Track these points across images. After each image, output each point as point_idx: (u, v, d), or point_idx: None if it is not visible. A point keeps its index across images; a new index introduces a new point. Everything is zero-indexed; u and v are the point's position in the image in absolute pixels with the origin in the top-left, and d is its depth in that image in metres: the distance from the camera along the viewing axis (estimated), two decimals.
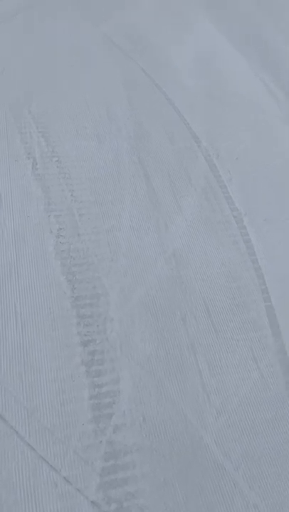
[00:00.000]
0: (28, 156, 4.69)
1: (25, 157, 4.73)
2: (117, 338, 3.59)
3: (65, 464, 3.00)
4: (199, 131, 5.28)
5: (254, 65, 6.41)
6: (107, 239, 4.17)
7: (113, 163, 4.79)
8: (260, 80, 6.18)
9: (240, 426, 3.32)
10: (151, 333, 3.66)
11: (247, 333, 3.79)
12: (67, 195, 4.45)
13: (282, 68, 6.52)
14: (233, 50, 6.51)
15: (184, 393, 3.41)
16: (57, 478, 2.95)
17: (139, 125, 5.21)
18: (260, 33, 6.95)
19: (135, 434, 3.17)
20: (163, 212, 4.49)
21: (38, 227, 4.11)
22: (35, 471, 2.95)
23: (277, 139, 5.43)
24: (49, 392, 3.25)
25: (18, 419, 3.14)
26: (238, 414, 3.37)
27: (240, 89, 5.98)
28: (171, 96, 5.65)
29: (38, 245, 4.01)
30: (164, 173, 4.79)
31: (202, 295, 3.95)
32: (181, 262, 4.13)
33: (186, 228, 4.41)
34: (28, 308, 3.66)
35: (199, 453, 3.22)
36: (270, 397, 3.48)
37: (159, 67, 6.04)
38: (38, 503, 2.87)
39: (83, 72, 5.71)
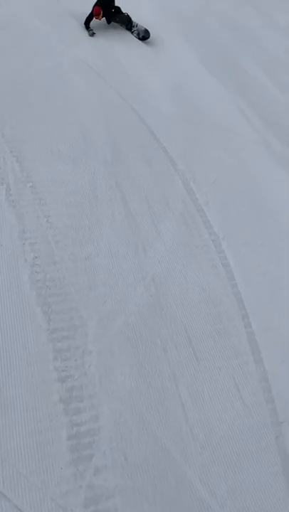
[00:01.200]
0: (2, 181, 4.50)
1: None
2: (96, 372, 3.41)
3: None
4: (175, 154, 5.22)
5: (228, 89, 6.44)
6: (84, 266, 4.01)
7: (90, 187, 4.67)
8: (234, 104, 6.21)
9: (225, 460, 3.18)
10: (131, 365, 3.50)
11: (228, 360, 3.68)
12: (43, 221, 4.28)
13: (254, 92, 6.58)
14: (207, 74, 6.53)
15: (167, 427, 3.26)
16: None
17: (116, 148, 5.12)
18: (234, 59, 7.01)
19: (117, 476, 2.99)
20: (142, 236, 4.37)
21: (12, 256, 3.92)
22: None
23: (252, 161, 5.43)
24: (24, 434, 3.04)
25: None
26: (222, 447, 3.23)
27: (214, 112, 5.98)
28: (147, 119, 5.59)
29: (13, 275, 3.82)
30: (141, 197, 4.69)
31: (183, 322, 3.83)
32: (160, 288, 4.01)
33: (165, 253, 4.30)
34: (1, 343, 3.44)
35: (184, 491, 3.06)
36: (253, 426, 3.36)
37: (134, 91, 5.99)
38: None
39: (58, 95, 5.59)
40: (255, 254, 4.49)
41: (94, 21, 6.86)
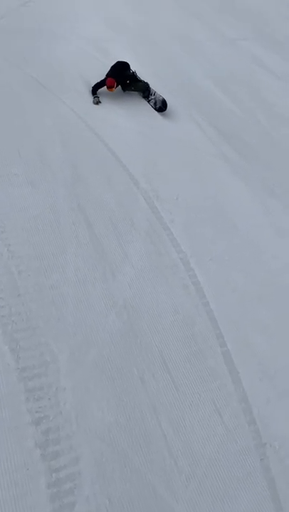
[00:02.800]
0: None
1: None
2: (71, 410, 3.26)
3: None
4: (136, 172, 5.18)
5: (183, 103, 6.51)
6: (51, 296, 3.85)
7: (51, 211, 4.51)
8: (191, 117, 6.28)
9: (212, 490, 3.12)
10: (108, 398, 3.37)
11: (207, 384, 3.65)
12: (3, 250, 4.07)
13: (209, 105, 6.69)
14: (161, 88, 6.56)
15: (150, 462, 3.16)
16: None
17: (75, 168, 5.00)
18: (185, 71, 7.12)
19: None
20: (109, 260, 4.27)
21: None
22: None
23: (211, 176, 5.48)
24: None
25: None
26: (208, 477, 3.17)
27: (172, 127, 6.03)
28: (105, 137, 5.52)
29: None
30: (105, 219, 4.60)
31: (158, 348, 3.75)
32: (133, 313, 3.92)
33: (135, 276, 4.22)
34: None
35: None
36: (238, 452, 3.33)
37: (89, 107, 5.91)
38: None
39: (10, 115, 5.40)
40: (224, 269, 4.51)
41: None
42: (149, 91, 6.24)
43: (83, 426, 3.20)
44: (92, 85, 6.09)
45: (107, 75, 6.07)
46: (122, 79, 6.11)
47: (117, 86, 6.04)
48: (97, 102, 5.98)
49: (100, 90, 6.07)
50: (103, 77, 6.12)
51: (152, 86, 6.54)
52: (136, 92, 6.32)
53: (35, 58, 6.53)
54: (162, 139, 5.72)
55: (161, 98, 6.21)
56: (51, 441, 3.08)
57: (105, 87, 6.01)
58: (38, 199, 4.55)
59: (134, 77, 6.21)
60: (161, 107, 6.16)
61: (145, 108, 6.23)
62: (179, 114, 6.24)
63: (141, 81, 6.27)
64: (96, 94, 6.05)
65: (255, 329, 4.10)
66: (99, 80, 6.07)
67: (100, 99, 6.05)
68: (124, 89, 6.25)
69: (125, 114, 6.01)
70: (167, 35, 7.76)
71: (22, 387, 3.28)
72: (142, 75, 6.85)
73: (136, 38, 7.42)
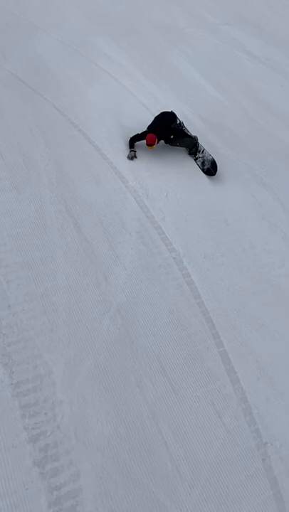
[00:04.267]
0: None
1: None
2: (69, 423, 3.11)
3: None
4: (124, 169, 4.95)
5: (168, 93, 6.26)
6: (42, 306, 3.66)
7: (37, 215, 4.28)
8: (177, 108, 6.01)
9: (216, 496, 3.03)
10: (107, 409, 3.23)
11: (206, 386, 3.52)
12: None
13: (194, 94, 6.44)
14: (144, 79, 6.31)
15: (153, 472, 3.04)
16: None
17: (61, 169, 4.75)
18: (168, 60, 6.84)
19: None
20: (100, 263, 4.08)
21: None
22: None
23: (200, 171, 5.28)
24: None
25: None
26: (211, 482, 3.07)
27: None
28: (90, 134, 5.26)
29: None
30: (94, 220, 4.39)
31: (155, 352, 3.61)
32: (127, 318, 3.76)
33: (127, 278, 4.05)
34: None
35: None
36: (240, 454, 3.24)
37: (72, 103, 5.62)
38: None
39: None
40: (217, 267, 4.36)
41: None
42: (197, 147, 5.29)
43: (82, 439, 3.06)
44: (131, 137, 5.18)
45: (149, 128, 5.10)
46: (165, 134, 5.13)
47: (158, 142, 5.09)
48: (132, 157, 5.05)
49: (138, 143, 5.17)
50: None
51: (136, 77, 6.27)
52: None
53: (14, 53, 6.18)
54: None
55: (210, 158, 5.24)
56: (50, 458, 2.95)
57: (145, 142, 5.07)
58: (23, 203, 4.31)
59: (180, 131, 5.23)
60: (210, 169, 5.17)
61: (131, 103, 5.95)
62: (164, 104, 5.98)
63: (188, 135, 5.29)
64: (133, 147, 5.13)
65: (250, 327, 3.98)
66: (140, 132, 5.14)
67: (135, 149, 5.13)
68: (167, 142, 5.23)
69: (109, 107, 5.73)
70: (149, 24, 7.44)
71: (17, 404, 3.11)
72: (124, 64, 6.57)
73: (117, 29, 7.08)
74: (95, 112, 5.58)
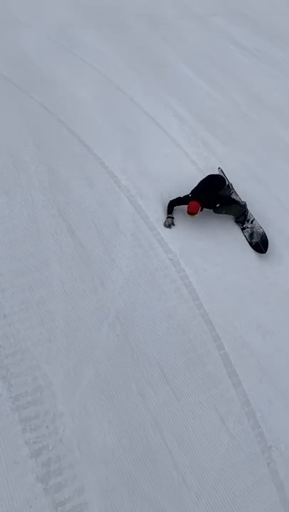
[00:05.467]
0: None
1: None
2: (72, 436, 3.03)
3: None
4: (116, 169, 4.82)
5: (157, 88, 6.10)
6: (39, 314, 3.56)
7: (30, 220, 4.15)
8: (167, 104, 5.89)
9: (223, 504, 2.98)
10: (109, 419, 3.16)
11: (208, 390, 3.46)
12: None
13: (183, 88, 6.30)
14: (132, 73, 6.14)
15: (158, 483, 2.98)
16: None
17: (52, 171, 4.60)
18: (155, 53, 6.65)
19: None
20: (96, 268, 3.97)
21: None
22: None
23: (194, 168, 5.16)
24: None
25: None
26: (218, 490, 3.03)
27: (148, 116, 5.63)
28: (80, 132, 5.11)
29: None
30: (89, 224, 4.26)
31: (155, 359, 3.53)
32: (126, 324, 3.67)
33: (124, 282, 3.95)
34: None
35: None
36: (245, 459, 3.19)
37: (60, 101, 5.45)
38: None
39: None
40: (215, 267, 4.27)
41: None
42: (246, 216, 4.58)
43: (85, 452, 2.99)
44: (170, 200, 4.49)
45: (193, 193, 4.40)
46: (211, 201, 4.41)
47: (202, 209, 4.36)
48: (170, 225, 4.39)
49: (177, 207, 4.46)
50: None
51: (124, 72, 6.10)
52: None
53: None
54: (139, 129, 5.32)
55: (260, 231, 4.48)
56: (53, 473, 2.87)
57: (186, 208, 4.35)
58: (15, 208, 4.17)
59: (228, 198, 4.58)
60: (259, 244, 4.38)
61: (120, 100, 5.78)
62: (154, 100, 5.84)
63: (237, 202, 4.59)
64: (172, 213, 4.44)
65: (250, 327, 3.92)
66: (181, 196, 4.45)
67: (172, 215, 4.45)
68: (210, 208, 4.48)
69: (98, 104, 5.57)
70: (135, 16, 7.24)
71: (17, 418, 3.02)
72: (111, 59, 6.38)
73: (103, 22, 6.88)
74: (84, 110, 5.42)
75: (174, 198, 4.47)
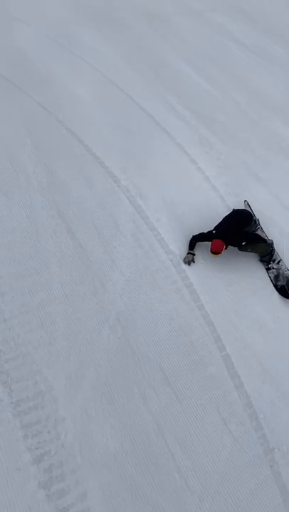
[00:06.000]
0: None
1: None
2: (73, 441, 3.00)
3: None
4: (116, 169, 4.76)
5: (157, 87, 6.03)
6: (39, 318, 3.51)
7: (29, 221, 4.09)
8: (167, 102, 5.82)
9: (226, 508, 2.95)
10: (111, 423, 3.12)
11: (210, 392, 3.43)
12: None
13: (183, 86, 6.23)
14: (131, 72, 6.05)
15: (161, 487, 2.95)
16: None
17: (50, 171, 4.54)
18: (155, 51, 6.57)
19: None
20: (96, 270, 3.92)
21: None
22: None
23: (193, 166, 5.11)
24: None
25: None
26: (221, 493, 3.00)
27: (148, 114, 5.56)
28: (79, 132, 5.04)
29: None
30: (88, 224, 4.21)
31: (157, 361, 3.49)
32: (127, 326, 3.63)
33: (125, 284, 3.90)
34: None
35: None
36: (248, 462, 3.16)
37: (58, 100, 5.37)
38: None
39: None
40: (215, 267, 4.23)
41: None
42: (272, 255, 4.21)
43: (88, 457, 2.95)
44: (193, 235, 4.19)
45: (217, 230, 4.08)
46: (236, 239, 4.06)
47: (226, 248, 4.01)
48: (189, 262, 4.09)
49: (200, 243, 4.16)
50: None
51: (123, 71, 6.02)
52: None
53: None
54: (138, 128, 5.25)
55: (287, 274, 4.14)
56: (55, 479, 2.83)
57: (209, 245, 4.02)
58: (13, 210, 4.11)
59: (254, 235, 4.22)
60: (285, 288, 4.04)
61: (119, 98, 5.69)
62: (154, 99, 5.76)
63: (263, 240, 4.22)
64: (193, 249, 4.14)
65: (252, 327, 3.88)
66: (205, 231, 4.13)
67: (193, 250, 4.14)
68: (235, 246, 4.12)
69: (97, 104, 5.49)
70: (134, 14, 7.13)
71: (18, 424, 2.99)
72: (110, 58, 6.30)
73: (101, 19, 6.78)
74: (83, 109, 5.35)
75: (197, 233, 4.17)
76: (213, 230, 4.11)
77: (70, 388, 3.20)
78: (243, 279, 4.11)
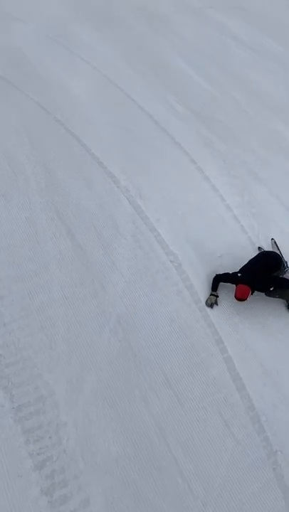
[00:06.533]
0: None
1: None
2: (75, 446, 2.96)
3: None
4: (115, 169, 4.70)
5: (156, 86, 5.96)
6: (39, 321, 3.46)
7: (28, 223, 4.04)
8: (166, 102, 5.76)
9: (229, 511, 2.93)
10: (113, 427, 3.09)
11: (212, 395, 3.39)
12: None
13: (182, 85, 6.16)
14: (131, 71, 5.98)
15: (164, 491, 2.92)
16: None
17: (49, 172, 4.48)
18: (154, 50, 6.50)
19: None
20: (96, 271, 3.88)
21: None
22: None
23: (192, 166, 5.05)
24: None
25: None
26: (224, 497, 2.97)
27: (147, 114, 5.49)
28: (77, 132, 4.97)
29: None
30: (88, 226, 4.16)
31: (158, 364, 3.46)
32: (128, 329, 3.59)
33: (125, 285, 3.86)
34: None
35: None
36: (250, 465, 3.13)
37: (56, 100, 5.30)
38: None
39: None
40: (216, 268, 4.16)
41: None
42: None
43: (90, 462, 2.92)
44: (217, 274, 3.90)
45: (242, 272, 3.79)
46: (263, 285, 3.77)
47: (252, 293, 3.72)
48: (212, 304, 3.82)
49: (223, 283, 3.87)
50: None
51: (122, 70, 5.95)
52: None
53: None
54: (138, 128, 5.20)
55: None
56: (58, 485, 2.80)
57: (234, 288, 3.73)
58: (12, 211, 4.06)
59: (283, 280, 3.88)
60: None
61: (118, 98, 5.60)
62: (153, 98, 5.70)
63: None
64: (216, 290, 3.85)
65: (253, 328, 3.84)
66: (230, 272, 3.86)
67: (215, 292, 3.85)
68: (261, 291, 3.82)
69: (96, 103, 5.42)
70: (132, 11, 7.05)
71: (19, 429, 2.95)
72: (109, 57, 6.22)
73: (100, 17, 6.69)
74: (81, 109, 5.28)
75: (222, 273, 3.89)
76: (239, 272, 3.82)
77: (71, 392, 3.16)
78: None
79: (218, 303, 3.81)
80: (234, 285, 3.73)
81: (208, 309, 3.86)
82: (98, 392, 3.20)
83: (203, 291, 3.99)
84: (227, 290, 3.90)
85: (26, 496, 2.73)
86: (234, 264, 4.20)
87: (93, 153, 4.79)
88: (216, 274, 3.90)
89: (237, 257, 4.32)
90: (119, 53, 6.18)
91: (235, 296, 3.68)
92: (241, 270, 3.83)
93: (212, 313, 3.85)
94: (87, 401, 3.15)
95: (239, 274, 3.79)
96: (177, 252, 4.20)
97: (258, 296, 3.80)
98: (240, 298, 3.66)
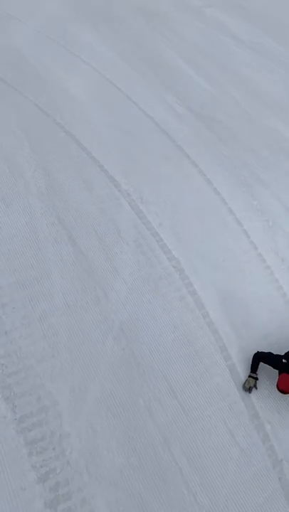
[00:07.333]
0: None
1: None
2: (79, 457, 2.91)
3: None
4: (116, 172, 4.63)
5: (155, 86, 5.89)
6: (41, 329, 3.41)
7: (29, 228, 3.97)
8: (165, 102, 5.69)
9: None
10: (117, 437, 3.04)
11: (217, 403, 3.35)
12: None
13: (181, 85, 6.09)
14: (130, 71, 5.90)
15: (170, 503, 2.88)
16: None
17: (49, 175, 4.41)
18: (153, 49, 6.41)
19: None
20: (98, 278, 3.82)
21: None
22: None
23: (193, 168, 4.99)
24: None
25: None
26: (230, 509, 2.93)
27: (147, 115, 5.43)
28: (77, 134, 4.90)
29: None
30: (89, 231, 4.09)
31: (162, 372, 3.41)
32: (131, 337, 3.53)
33: (128, 292, 3.80)
34: None
35: None
36: (256, 474, 3.10)
37: (55, 101, 5.22)
38: None
39: None
40: (219, 273, 4.14)
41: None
42: None
43: (94, 474, 2.87)
44: (258, 352, 3.46)
45: (287, 358, 3.30)
46: None
47: None
48: (250, 388, 3.39)
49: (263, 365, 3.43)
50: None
51: (121, 70, 5.87)
52: None
53: None
54: (138, 129, 5.13)
55: None
56: (62, 498, 2.75)
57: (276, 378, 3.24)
58: (13, 217, 3.99)
59: None
60: None
61: (117, 98, 5.52)
62: (152, 98, 5.63)
63: None
64: (256, 371, 3.41)
65: (257, 336, 3.80)
66: (273, 352, 3.42)
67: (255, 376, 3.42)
68: None
69: (95, 104, 5.35)
70: (130, 10, 6.95)
71: (22, 441, 2.90)
72: (108, 57, 6.14)
73: (98, 16, 6.59)
74: (81, 110, 5.20)
75: (265, 351, 3.44)
76: (284, 357, 3.30)
77: (74, 402, 3.11)
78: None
79: (258, 386, 3.35)
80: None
81: (211, 316, 3.82)
82: (102, 402, 3.16)
83: (207, 297, 3.93)
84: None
85: (30, 509, 2.68)
86: (238, 267, 4.17)
87: (93, 157, 4.72)
88: (257, 352, 3.45)
89: (241, 260, 4.28)
90: (119, 53, 6.10)
91: (277, 387, 3.16)
92: (286, 355, 3.32)
93: (216, 319, 3.81)
94: (91, 411, 3.10)
95: (284, 361, 3.26)
96: (180, 257, 4.15)
97: None
98: (283, 390, 3.14)
